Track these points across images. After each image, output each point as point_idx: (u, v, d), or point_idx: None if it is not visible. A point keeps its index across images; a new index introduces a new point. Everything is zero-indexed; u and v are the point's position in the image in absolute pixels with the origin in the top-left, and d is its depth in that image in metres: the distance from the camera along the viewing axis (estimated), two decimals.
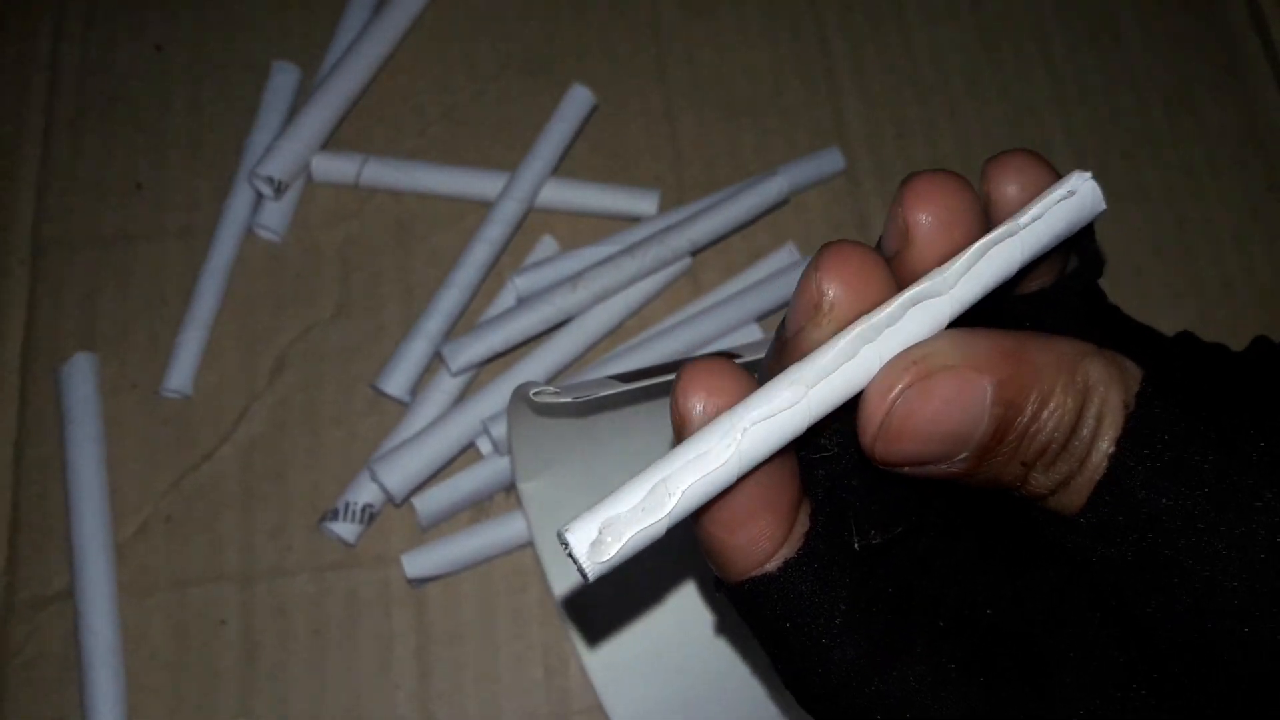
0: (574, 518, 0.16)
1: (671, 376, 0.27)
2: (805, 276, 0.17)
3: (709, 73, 0.47)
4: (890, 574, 0.19)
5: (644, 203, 0.44)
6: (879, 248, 0.18)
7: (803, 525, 0.18)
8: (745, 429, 0.16)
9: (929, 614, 0.19)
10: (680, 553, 0.37)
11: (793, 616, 0.18)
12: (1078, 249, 0.21)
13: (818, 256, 0.17)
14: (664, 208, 0.44)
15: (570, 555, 0.16)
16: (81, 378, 0.40)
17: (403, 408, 0.41)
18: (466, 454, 0.40)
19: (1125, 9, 0.49)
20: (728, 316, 0.41)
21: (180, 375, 0.41)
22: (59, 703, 0.37)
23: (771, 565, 0.18)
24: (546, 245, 0.43)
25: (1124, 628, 0.18)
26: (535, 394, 0.28)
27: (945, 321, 0.17)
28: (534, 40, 0.47)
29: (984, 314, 0.17)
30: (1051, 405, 0.16)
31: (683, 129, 0.46)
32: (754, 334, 0.41)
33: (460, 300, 0.41)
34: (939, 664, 0.18)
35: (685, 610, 0.37)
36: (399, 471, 0.38)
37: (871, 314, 0.17)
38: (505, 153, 0.45)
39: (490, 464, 0.39)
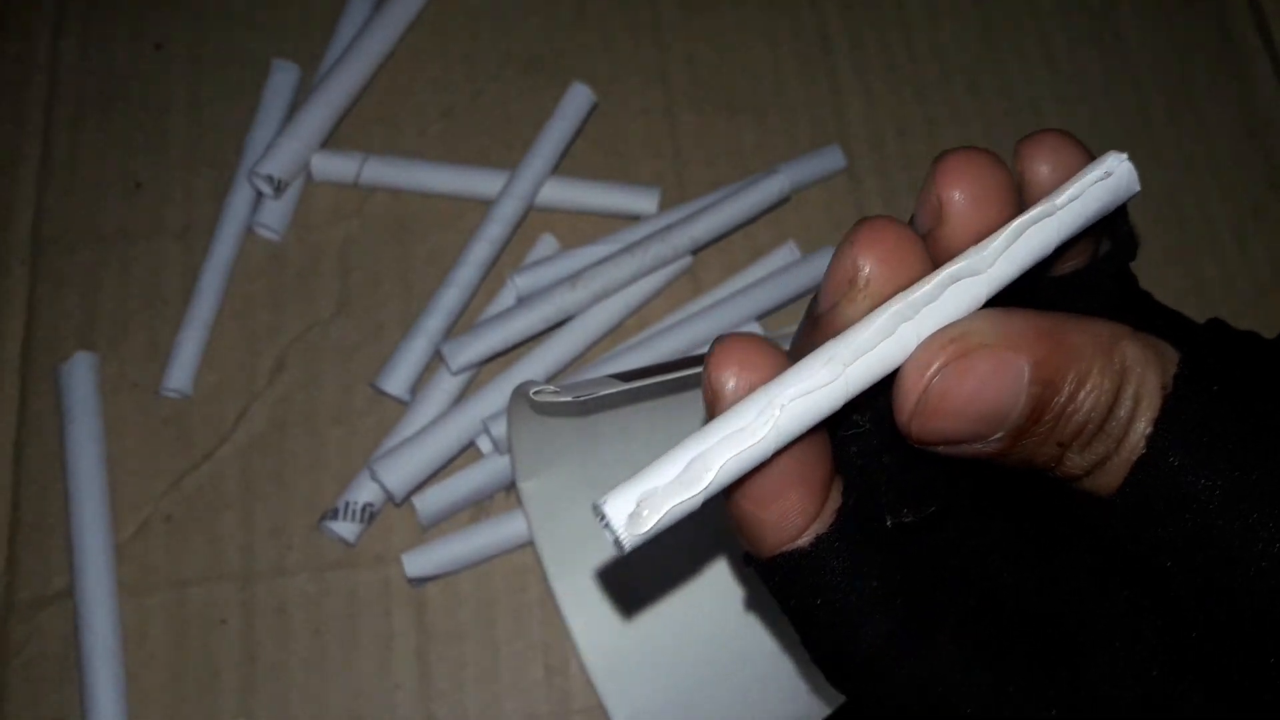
0: (610, 490, 0.16)
1: (672, 376, 0.27)
2: (840, 252, 0.17)
3: (709, 70, 0.47)
4: (921, 553, 0.19)
5: (644, 201, 0.43)
6: (911, 225, 0.18)
7: (834, 501, 0.18)
8: (783, 405, 0.16)
9: (959, 594, 0.19)
10: (680, 552, 0.37)
11: (824, 592, 0.18)
12: (1111, 231, 0.21)
13: (852, 232, 0.17)
14: (664, 206, 0.44)
15: (607, 527, 0.16)
16: (81, 377, 0.40)
17: (403, 407, 0.41)
18: (467, 453, 0.40)
19: (1126, 7, 0.49)
20: (728, 315, 0.41)
21: (180, 374, 0.41)
22: (59, 702, 0.37)
23: (803, 540, 0.18)
24: (546, 244, 0.43)
25: (1158, 610, 0.18)
26: (535, 393, 0.28)
27: (982, 301, 0.17)
28: (534, 38, 0.47)
29: (1017, 295, 0.17)
30: (1088, 386, 0.16)
31: (683, 127, 0.46)
32: (755, 332, 0.41)
33: (460, 299, 0.41)
34: (969, 644, 0.18)
35: (686, 610, 0.37)
36: (399, 471, 0.38)
37: (909, 291, 0.17)
38: (505, 151, 0.45)
39: (490, 463, 0.39)
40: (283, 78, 0.45)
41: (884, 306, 0.17)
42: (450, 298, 0.41)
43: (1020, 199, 0.18)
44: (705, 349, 0.41)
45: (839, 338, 0.17)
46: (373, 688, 0.38)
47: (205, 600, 0.38)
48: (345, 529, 0.39)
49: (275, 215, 0.43)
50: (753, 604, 0.36)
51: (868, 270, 0.17)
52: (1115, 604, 0.18)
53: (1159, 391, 0.16)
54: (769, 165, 0.44)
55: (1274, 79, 0.47)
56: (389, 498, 0.39)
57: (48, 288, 0.42)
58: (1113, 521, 0.17)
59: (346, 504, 0.39)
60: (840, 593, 0.18)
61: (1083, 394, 0.16)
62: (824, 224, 0.44)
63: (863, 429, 0.18)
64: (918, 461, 0.18)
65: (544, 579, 0.38)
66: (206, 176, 0.44)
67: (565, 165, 0.44)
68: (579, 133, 0.45)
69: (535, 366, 0.41)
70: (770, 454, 0.16)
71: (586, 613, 0.38)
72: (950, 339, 0.16)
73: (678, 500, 0.16)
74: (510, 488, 0.40)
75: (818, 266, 0.42)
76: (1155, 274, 0.44)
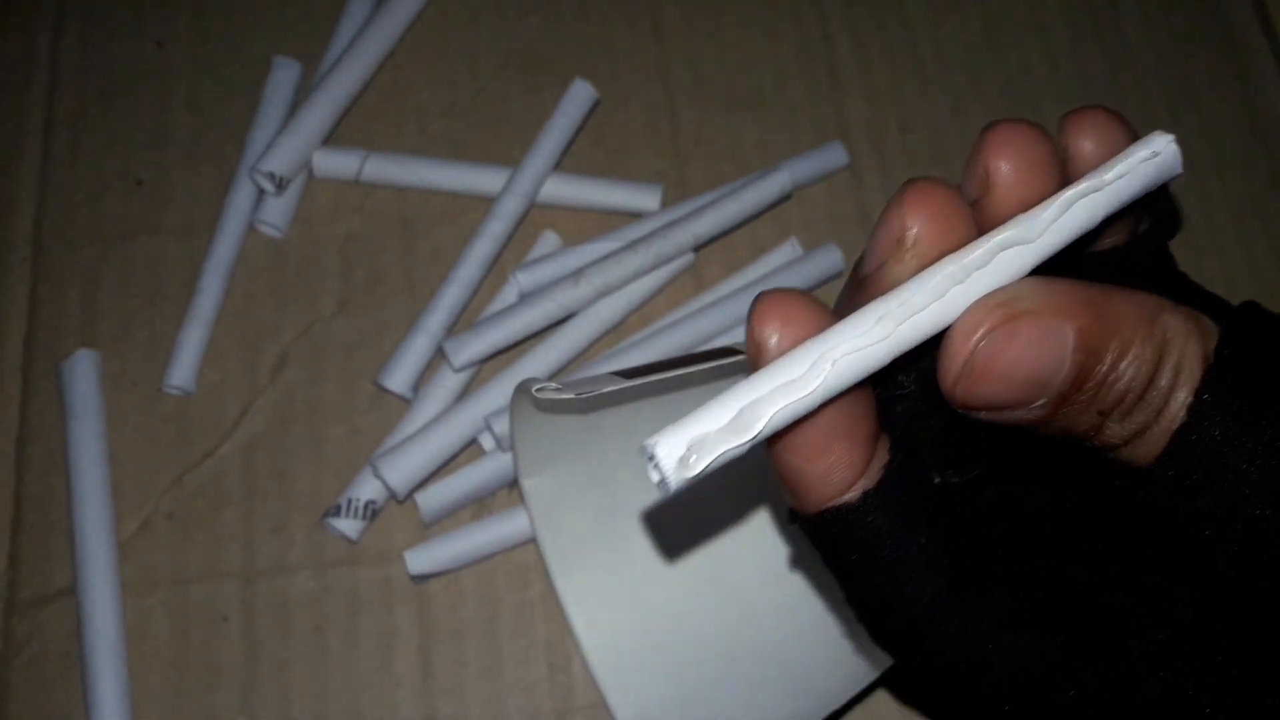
0: (658, 431, 0.16)
1: (674, 373, 0.27)
2: (888, 211, 0.17)
3: (711, 67, 0.47)
4: (964, 516, 0.19)
5: (646, 198, 0.43)
6: None
7: (880, 459, 0.18)
8: (835, 360, 0.16)
9: (1002, 559, 0.19)
10: (681, 552, 0.37)
11: (872, 548, 0.18)
12: (1152, 209, 0.21)
13: (901, 193, 0.17)
14: (666, 203, 0.44)
15: (656, 467, 0.16)
16: (83, 374, 0.40)
17: (405, 404, 0.41)
18: (469, 450, 0.40)
19: (1128, 5, 0.49)
20: (731, 312, 0.41)
21: (182, 372, 0.41)
22: (62, 700, 0.37)
23: (851, 495, 0.18)
24: (548, 241, 0.43)
25: (1196, 581, 0.18)
26: (538, 390, 0.28)
27: (1028, 269, 0.17)
28: (535, 36, 0.47)
29: (1060, 267, 0.18)
30: (1131, 355, 0.17)
31: (685, 124, 0.46)
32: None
33: (462, 296, 0.41)
34: (1013, 608, 0.18)
35: (689, 607, 0.37)
36: (401, 468, 0.38)
37: (961, 254, 0.17)
38: (507, 148, 0.45)
39: (493, 460, 0.39)
40: (284, 75, 0.45)
41: (935, 267, 0.17)
42: (452, 295, 0.41)
43: (1064, 172, 0.18)
44: (707, 346, 0.41)
45: (890, 295, 0.17)
46: (375, 685, 0.38)
47: (207, 598, 0.38)
48: (347, 526, 0.39)
49: (277, 212, 0.43)
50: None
51: (915, 230, 0.17)
52: (1155, 577, 0.19)
53: (1200, 362, 0.17)
54: (771, 162, 0.44)
55: (1277, 77, 0.47)
56: (391, 495, 0.39)
57: (49, 285, 0.42)
58: (1151, 492, 0.17)
59: (348, 501, 0.39)
60: (888, 550, 0.18)
61: (1125, 363, 0.17)
62: (826, 221, 0.44)
63: (908, 389, 0.18)
64: (960, 427, 0.18)
65: (546, 576, 0.38)
66: (208, 174, 0.44)
67: (567, 162, 0.44)
68: (580, 130, 0.45)
69: (537, 364, 0.41)
70: (818, 406, 0.17)
71: (589, 610, 0.38)
72: (998, 304, 0.17)
73: (727, 446, 0.16)
74: (512, 485, 0.40)
75: (820, 263, 0.42)
76: None
